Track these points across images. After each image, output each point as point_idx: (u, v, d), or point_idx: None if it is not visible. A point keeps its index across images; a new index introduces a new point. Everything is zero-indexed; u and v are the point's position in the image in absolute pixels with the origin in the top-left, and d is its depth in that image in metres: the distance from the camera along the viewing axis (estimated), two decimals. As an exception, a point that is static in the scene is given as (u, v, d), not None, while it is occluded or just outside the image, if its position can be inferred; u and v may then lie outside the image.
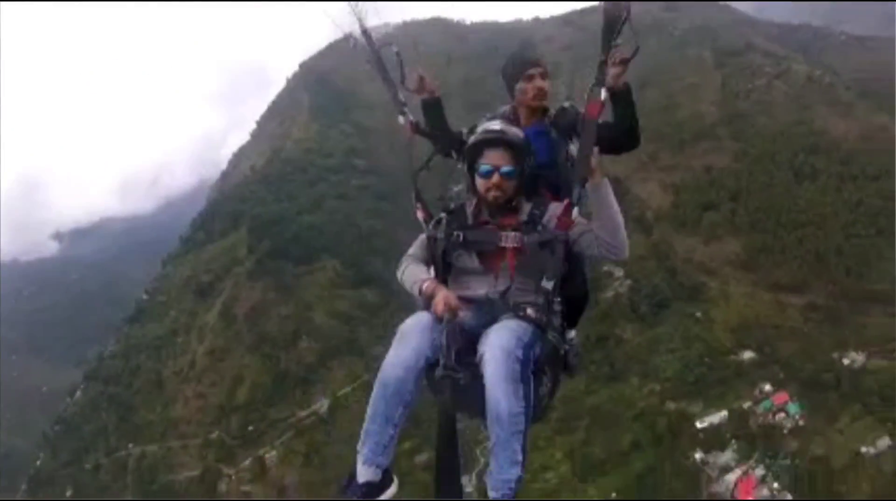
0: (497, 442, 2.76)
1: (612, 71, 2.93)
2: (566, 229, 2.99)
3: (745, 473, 40.34)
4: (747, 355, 47.03)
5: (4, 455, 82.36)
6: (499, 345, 2.72)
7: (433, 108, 3.59)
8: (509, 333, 2.80)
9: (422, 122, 3.56)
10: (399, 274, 3.23)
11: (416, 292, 3.06)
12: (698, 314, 51.32)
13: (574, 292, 3.23)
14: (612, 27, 2.81)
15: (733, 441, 41.89)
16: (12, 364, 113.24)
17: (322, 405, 55.53)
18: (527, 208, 3.17)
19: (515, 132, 3.10)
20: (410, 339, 2.80)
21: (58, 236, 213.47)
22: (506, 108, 3.64)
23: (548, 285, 3.03)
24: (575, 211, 2.95)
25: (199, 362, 63.80)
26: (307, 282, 65.57)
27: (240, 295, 65.76)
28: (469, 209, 3.25)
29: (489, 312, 3.05)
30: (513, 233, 3.06)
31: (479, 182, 3.08)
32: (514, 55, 3.61)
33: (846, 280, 50.61)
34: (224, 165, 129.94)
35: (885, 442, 39.94)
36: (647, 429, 44.11)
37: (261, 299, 63.99)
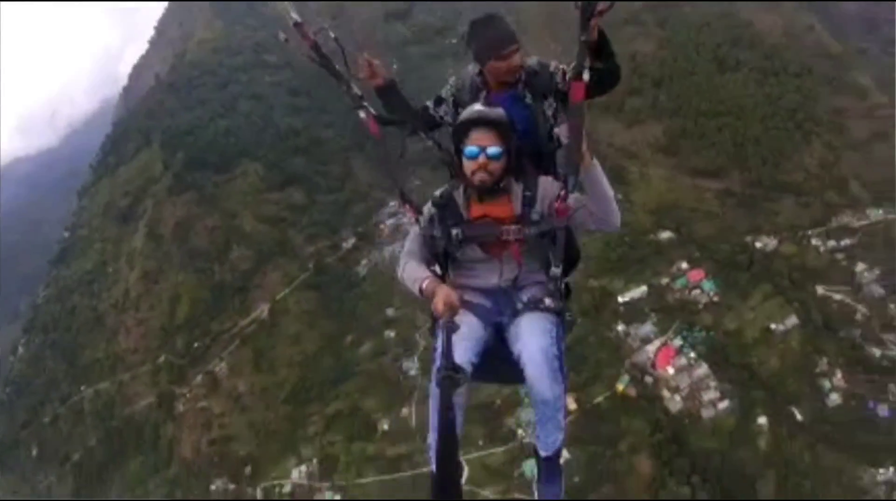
0: (544, 417, 3.09)
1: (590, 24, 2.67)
2: (565, 217, 3.03)
3: (664, 344, 43.60)
4: (665, 235, 49.60)
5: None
6: (538, 348, 2.90)
7: (390, 93, 3.45)
8: (542, 333, 2.97)
9: (382, 111, 3.41)
10: (399, 273, 3.24)
11: (416, 291, 3.09)
12: (619, 196, 51.16)
13: (570, 258, 3.28)
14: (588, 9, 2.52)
15: (652, 315, 45.00)
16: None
17: (262, 310, 55.69)
18: (517, 189, 3.14)
19: (500, 112, 3.05)
20: (456, 351, 2.82)
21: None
22: (473, 71, 3.47)
23: (557, 271, 3.15)
24: (571, 198, 2.96)
25: (134, 288, 62.16)
26: (230, 190, 63.62)
27: (163, 214, 63.12)
28: (459, 198, 3.21)
29: (504, 300, 3.18)
30: (513, 227, 3.07)
31: (466, 164, 3.04)
32: (485, 32, 3.28)
33: (762, 169, 52.83)
34: (125, 81, 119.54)
35: (792, 320, 43.64)
36: (573, 305, 46.14)
37: (185, 214, 61.84)
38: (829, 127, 54.49)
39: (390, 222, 60.40)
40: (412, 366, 48.24)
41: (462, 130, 3.05)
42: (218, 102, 73.38)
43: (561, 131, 3.12)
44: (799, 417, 40.47)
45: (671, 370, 42.32)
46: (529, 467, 39.49)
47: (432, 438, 2.88)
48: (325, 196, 64.48)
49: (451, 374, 2.51)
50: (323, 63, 3.11)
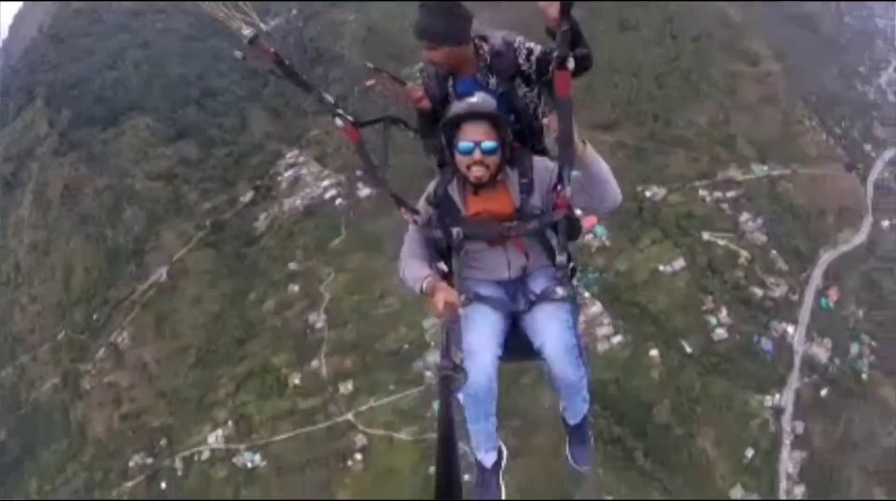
0: (569, 395, 3.31)
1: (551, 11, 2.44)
2: (564, 209, 3.05)
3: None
4: (558, 187, 51.56)
5: None
6: (558, 342, 3.01)
7: (429, 118, 3.37)
8: (559, 325, 3.06)
9: (359, 118, 3.30)
10: (400, 273, 3.23)
11: (417, 291, 3.06)
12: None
13: (572, 231, 3.25)
14: None
15: None
16: None
17: (160, 273, 53.96)
18: (513, 177, 3.11)
19: (491, 104, 2.96)
20: (482, 350, 2.97)
21: None
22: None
23: (562, 259, 3.17)
24: (567, 190, 2.93)
25: (24, 262, 58.97)
26: (119, 146, 60.32)
27: (49, 177, 59.67)
28: (454, 193, 3.16)
29: (517, 289, 3.23)
30: (514, 224, 3.06)
31: (460, 159, 2.99)
32: (421, 14, 3.14)
33: (654, 124, 54.98)
34: (4, 34, 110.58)
35: (679, 263, 46.69)
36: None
37: (72, 176, 58.62)
38: (722, 89, 57.14)
39: (288, 174, 59.00)
40: (318, 319, 48.42)
41: (454, 124, 2.97)
42: (105, 52, 68.69)
43: (550, 122, 2.82)
44: (688, 349, 43.63)
45: None
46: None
47: (474, 428, 3.16)
48: (219, 149, 61.91)
49: (451, 373, 2.48)
50: (289, 76, 2.93)
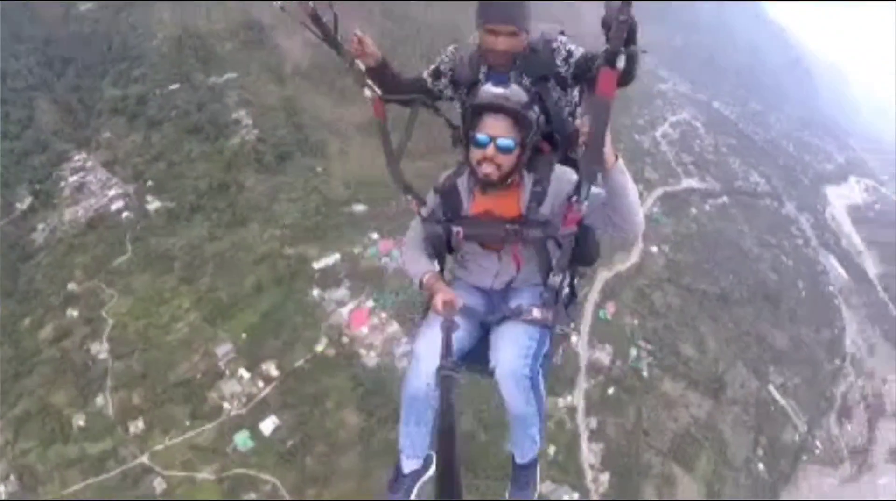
0: (518, 431, 3.16)
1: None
2: (573, 224, 2.84)
3: (358, 306, 46.21)
4: (360, 208, 52.41)
5: None
6: (508, 369, 2.86)
7: (383, 74, 3.20)
8: (516, 349, 2.90)
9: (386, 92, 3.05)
10: (400, 260, 3.72)
11: (416, 284, 3.07)
12: (319, 169, 54.69)
13: (585, 261, 3.08)
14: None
15: (346, 280, 47.24)
16: None
17: None
18: (528, 181, 2.95)
19: (520, 99, 2.77)
20: (428, 356, 2.86)
21: None
22: (474, 41, 3.19)
23: (555, 279, 3.02)
24: (584, 205, 2.73)
25: None
26: None
27: None
28: (462, 187, 3.05)
29: (497, 299, 3.16)
30: (514, 227, 2.93)
31: (473, 152, 2.87)
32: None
33: (453, 154, 57.87)
34: None
35: None
36: (269, 271, 46.74)
37: None
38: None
39: (73, 179, 52.84)
40: (101, 349, 43.26)
41: (475, 113, 2.82)
42: None
43: (581, 125, 2.53)
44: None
45: (365, 330, 45.12)
46: (242, 439, 39.23)
47: (404, 430, 3.02)
48: (-1, 144, 54.23)
49: (451, 373, 2.43)
50: (323, 36, 2.79)
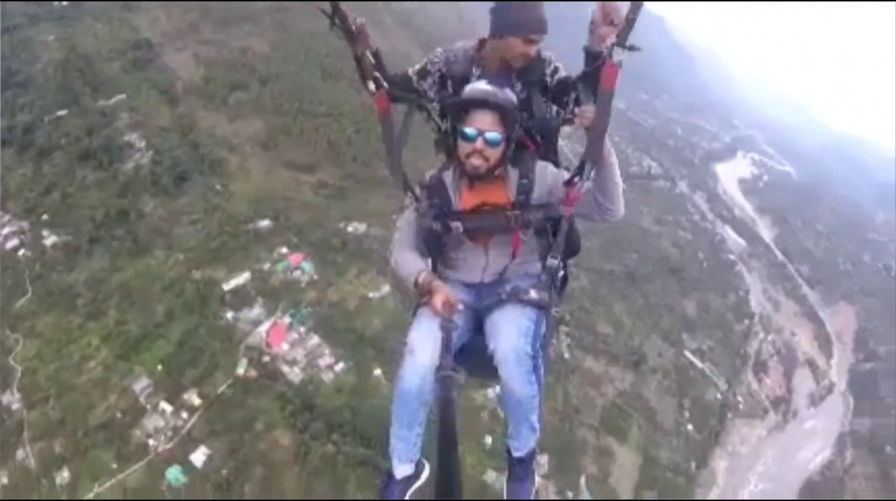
0: (517, 418, 3.00)
1: (603, 31, 2.66)
2: (573, 205, 2.89)
3: (274, 323, 44.92)
4: (265, 223, 51.23)
5: None
6: (510, 347, 2.76)
7: (378, 67, 3.08)
8: (517, 329, 2.82)
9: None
10: (392, 262, 3.06)
11: (410, 284, 2.93)
12: (219, 187, 53.15)
13: (574, 249, 3.10)
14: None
15: (259, 298, 46.04)
16: None
17: None
18: (513, 176, 2.98)
19: (507, 96, 2.85)
20: (423, 349, 2.75)
21: None
22: (469, 44, 3.25)
23: (554, 261, 3.00)
24: (585, 185, 2.81)
25: None
26: None
27: None
28: (449, 181, 3.01)
29: (486, 292, 3.06)
30: (517, 212, 2.92)
31: (461, 146, 2.87)
32: (524, 7, 3.01)
33: (353, 165, 57.83)
34: None
35: (386, 288, 48.35)
36: (178, 298, 44.98)
37: None
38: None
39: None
40: (13, 399, 40.52)
41: (462, 108, 2.84)
42: None
43: (582, 115, 2.72)
44: None
45: (286, 346, 44.03)
46: (174, 474, 37.52)
47: (396, 432, 2.93)
48: None
49: (451, 373, 2.42)
50: (340, 24, 2.73)
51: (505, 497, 3.49)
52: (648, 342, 58.27)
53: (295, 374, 42.99)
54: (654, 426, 51.56)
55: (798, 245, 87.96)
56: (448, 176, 3.17)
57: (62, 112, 54.27)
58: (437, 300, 2.83)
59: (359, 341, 45.34)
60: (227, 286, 46.05)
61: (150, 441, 39.14)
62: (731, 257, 79.09)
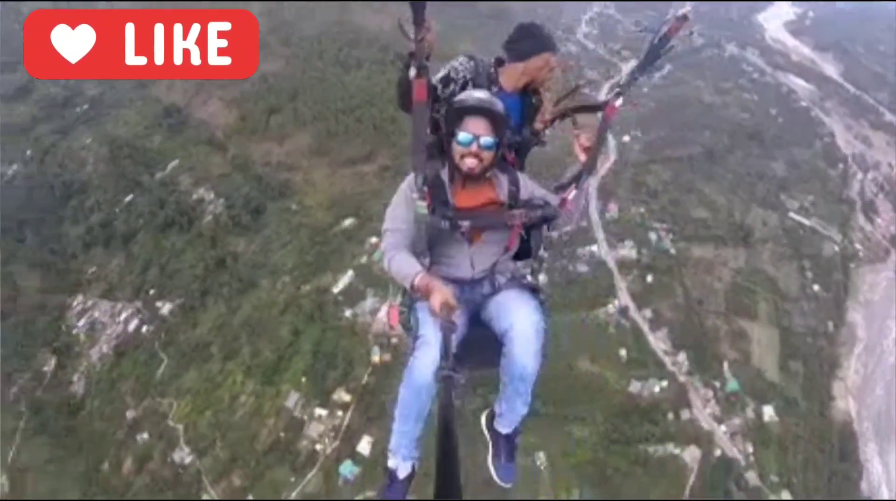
0: (515, 393, 3.11)
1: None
2: (566, 208, 3.20)
3: (389, 306, 46.40)
4: (348, 222, 53.05)
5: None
6: (529, 323, 2.94)
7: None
8: (530, 307, 3.02)
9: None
10: (386, 263, 3.16)
11: (407, 286, 3.01)
12: (294, 206, 55.20)
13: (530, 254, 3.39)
14: (660, 47, 2.84)
15: (368, 289, 47.96)
16: None
17: (1, 485, 45.59)
18: (503, 180, 3.21)
19: (499, 104, 3.04)
20: (436, 343, 2.81)
21: None
22: (489, 61, 3.51)
23: (544, 254, 3.28)
24: (572, 193, 3.16)
25: None
26: None
27: None
28: (446, 179, 3.15)
29: (474, 286, 3.21)
30: (519, 211, 3.11)
31: (457, 149, 3.04)
32: (544, 32, 3.47)
33: (405, 139, 58.18)
34: None
35: None
36: (297, 315, 47.39)
37: None
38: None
39: (82, 323, 53.32)
40: (184, 454, 44.13)
41: (457, 114, 3.01)
42: None
43: (580, 137, 3.25)
44: None
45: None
46: (346, 468, 40.34)
47: (401, 428, 2.98)
48: (-1, 326, 54.47)
49: (451, 373, 2.47)
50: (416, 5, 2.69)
51: (494, 476, 3.58)
52: (749, 214, 56.21)
53: None
54: (779, 296, 50.20)
55: (867, 73, 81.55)
56: (445, 174, 3.26)
57: (129, 198, 57.94)
58: (436, 302, 2.82)
59: None
60: (336, 289, 48.12)
61: (317, 447, 42.05)
62: (804, 104, 74.52)
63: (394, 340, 44.99)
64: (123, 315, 52.15)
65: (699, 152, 61.73)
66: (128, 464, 44.76)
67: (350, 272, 49.21)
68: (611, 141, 60.15)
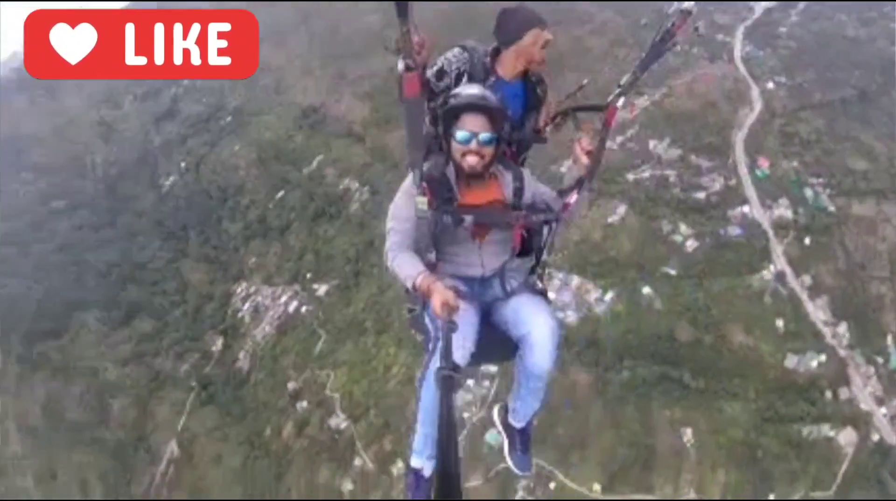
0: (531, 390, 3.20)
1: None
2: (568, 212, 3.22)
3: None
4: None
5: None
6: (549, 328, 3.00)
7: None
8: (547, 312, 3.09)
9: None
10: (389, 262, 3.19)
11: (409, 286, 3.03)
12: None
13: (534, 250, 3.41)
14: (663, 44, 2.80)
15: None
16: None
17: (171, 449, 52.74)
18: (507, 177, 3.23)
19: (492, 98, 3.06)
20: (464, 342, 2.87)
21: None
22: (483, 51, 3.44)
23: (548, 258, 3.35)
24: (574, 197, 3.16)
25: (33, 494, 53.51)
26: (79, 348, 59.77)
27: (20, 406, 56.30)
28: (452, 177, 3.18)
29: (484, 286, 3.26)
30: (521, 212, 3.16)
31: (456, 148, 3.06)
32: (524, 11, 3.33)
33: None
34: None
35: (622, 209, 48.39)
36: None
37: (46, 394, 56.92)
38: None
39: (246, 307, 58.79)
40: (339, 420, 47.63)
41: (453, 113, 3.02)
42: (30, 266, 67.05)
43: (582, 142, 3.17)
44: (672, 272, 45.25)
45: (552, 295, 34.65)
46: (492, 437, 41.02)
47: (426, 429, 2.98)
48: (171, 313, 61.59)
49: (451, 373, 2.46)
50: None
51: (512, 467, 3.62)
52: (914, 160, 50.12)
53: (570, 316, 44.08)
54: (953, 249, 44.46)
55: None
56: (450, 172, 3.22)
57: (280, 194, 63.00)
58: (436, 302, 2.80)
59: (616, 267, 45.60)
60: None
61: (465, 415, 43.19)
62: (961, 27, 64.26)
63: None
64: (283, 298, 57.18)
65: (851, 95, 55.58)
66: (288, 429, 49.28)
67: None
68: (754, 90, 56.33)
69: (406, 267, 3.06)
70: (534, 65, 3.39)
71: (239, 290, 60.19)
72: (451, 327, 2.69)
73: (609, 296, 44.74)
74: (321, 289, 55.18)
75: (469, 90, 3.07)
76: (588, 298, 44.99)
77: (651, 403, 40.31)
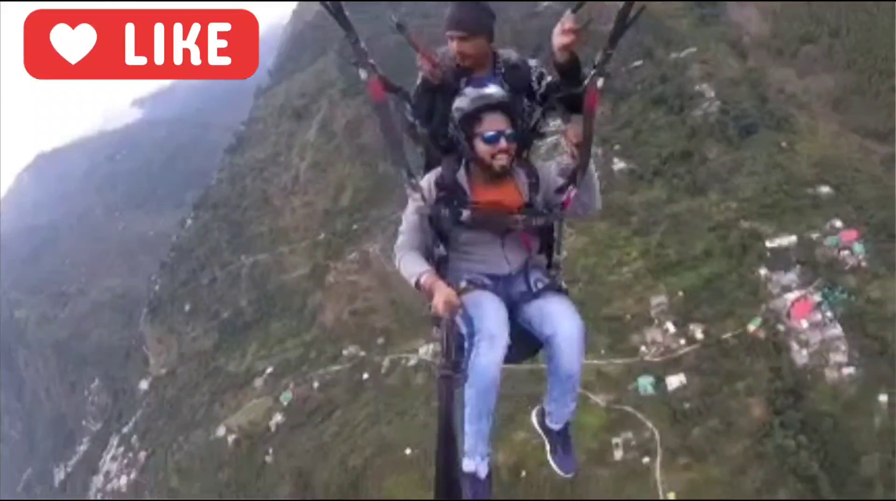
0: (564, 390, 3.18)
1: (561, 40, 2.84)
2: (567, 210, 3.14)
3: (803, 296, 42.68)
4: (824, 190, 47.89)
5: (121, 295, 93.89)
6: (576, 329, 2.98)
7: (429, 92, 3.24)
8: (573, 313, 3.06)
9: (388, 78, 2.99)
10: (396, 262, 3.17)
11: (413, 285, 3.03)
12: (784, 144, 51.54)
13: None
14: (625, 18, 2.63)
15: (797, 266, 44.21)
16: (116, 220, 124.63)
17: None
18: (522, 174, 3.18)
19: (504, 94, 3.05)
20: (502, 334, 2.83)
21: (138, 103, 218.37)
22: (444, 50, 3.32)
23: (559, 257, 3.32)
24: (573, 192, 3.08)
25: (303, 175, 68.88)
26: None
27: (335, 113, 68.77)
28: (463, 182, 3.13)
29: (507, 284, 3.19)
30: (521, 217, 3.09)
31: (484, 149, 2.99)
32: (452, 8, 3.21)
33: None
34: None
35: None
36: (720, 241, 46.93)
37: (356, 114, 66.36)
38: None
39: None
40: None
41: (475, 116, 2.98)
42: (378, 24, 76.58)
43: (568, 131, 3.05)
44: None
45: (805, 324, 41.68)
46: (645, 383, 42.14)
47: (474, 428, 2.90)
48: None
49: (450, 373, 2.45)
50: (336, 15, 2.61)
51: (555, 469, 3.46)
52: None
53: (801, 355, 40.96)
54: None
55: None
56: (461, 176, 3.12)
57: (637, 63, 60.67)
58: (438, 301, 2.76)
59: (881, 353, 39.24)
60: (770, 244, 45.70)
61: (642, 348, 44.17)
62: None
63: (780, 326, 42.49)
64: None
65: None
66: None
67: (793, 238, 45.80)
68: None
69: (410, 266, 3.08)
70: (466, 61, 3.23)
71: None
72: (452, 327, 2.73)
73: (849, 372, 40.03)
74: (618, 166, 55.98)
75: (482, 91, 3.05)
76: (831, 356, 40.79)
77: (778, 488, 37.17)
